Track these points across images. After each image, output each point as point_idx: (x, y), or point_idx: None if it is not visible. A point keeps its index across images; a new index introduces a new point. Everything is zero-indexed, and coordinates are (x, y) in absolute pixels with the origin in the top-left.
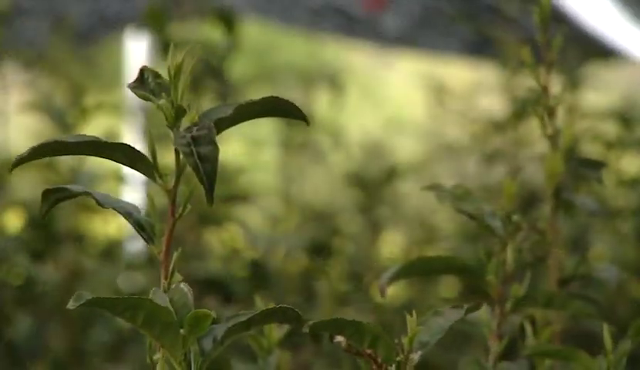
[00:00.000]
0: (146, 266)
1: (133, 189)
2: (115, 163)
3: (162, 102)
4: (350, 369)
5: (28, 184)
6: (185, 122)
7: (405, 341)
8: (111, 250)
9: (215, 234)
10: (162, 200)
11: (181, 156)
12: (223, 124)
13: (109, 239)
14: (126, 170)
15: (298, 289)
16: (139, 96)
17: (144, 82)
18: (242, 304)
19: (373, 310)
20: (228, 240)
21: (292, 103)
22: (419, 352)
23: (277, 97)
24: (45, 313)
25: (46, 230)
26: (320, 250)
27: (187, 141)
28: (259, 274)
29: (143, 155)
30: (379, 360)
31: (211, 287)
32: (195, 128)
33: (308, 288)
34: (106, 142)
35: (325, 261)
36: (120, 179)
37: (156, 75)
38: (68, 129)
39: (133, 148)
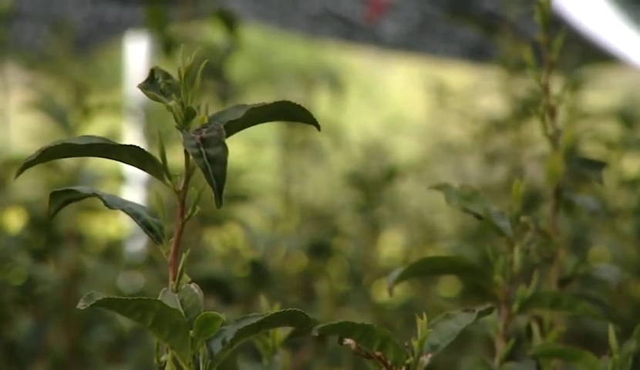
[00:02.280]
0: (146, 266)
1: (134, 189)
2: (115, 163)
3: (172, 103)
4: (351, 369)
5: (29, 184)
6: (195, 124)
7: (415, 343)
8: (111, 250)
9: (215, 234)
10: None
11: (190, 157)
12: (233, 127)
13: (109, 239)
14: (127, 171)
15: (298, 289)
16: (149, 97)
17: (154, 82)
18: (242, 304)
19: (373, 310)
20: (228, 240)
21: (303, 107)
22: (429, 355)
23: (288, 101)
24: (45, 313)
25: (47, 230)
26: (320, 250)
27: (196, 142)
28: (259, 274)
29: (153, 156)
30: (389, 362)
31: (211, 287)
32: (204, 130)
33: (308, 288)
34: (115, 144)
35: (324, 261)
36: (121, 179)
37: (167, 76)
38: (69, 129)
39: (143, 149)
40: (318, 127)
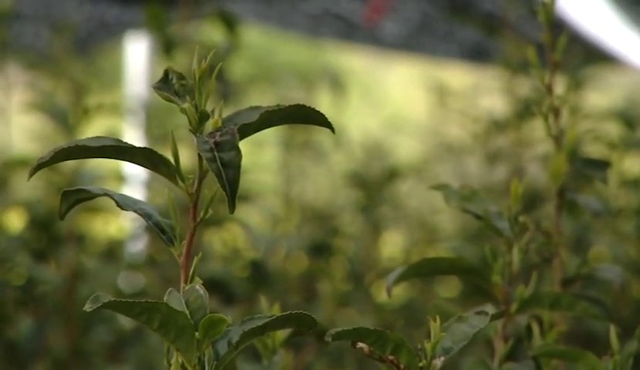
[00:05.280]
0: (147, 266)
1: (133, 190)
2: (115, 164)
3: (186, 105)
4: (353, 369)
5: (29, 184)
6: (208, 127)
7: (428, 346)
8: (112, 251)
9: (216, 234)
10: (161, 201)
11: (204, 160)
12: (247, 130)
13: (109, 239)
14: (126, 171)
15: (299, 289)
16: (163, 98)
17: (168, 83)
18: (243, 304)
19: (374, 310)
20: (229, 241)
21: (318, 111)
22: (442, 358)
23: (303, 104)
24: (45, 313)
25: (47, 231)
26: (321, 250)
27: (210, 146)
28: (260, 275)
29: (166, 158)
30: (402, 366)
31: (212, 287)
32: (218, 133)
33: (308, 288)
34: (128, 146)
35: (325, 261)
36: (121, 179)
37: (181, 77)
38: (70, 129)
39: (156, 152)
40: (333, 130)
